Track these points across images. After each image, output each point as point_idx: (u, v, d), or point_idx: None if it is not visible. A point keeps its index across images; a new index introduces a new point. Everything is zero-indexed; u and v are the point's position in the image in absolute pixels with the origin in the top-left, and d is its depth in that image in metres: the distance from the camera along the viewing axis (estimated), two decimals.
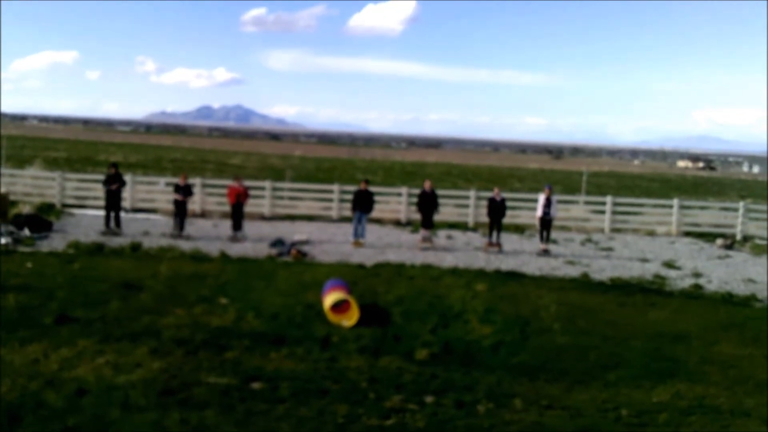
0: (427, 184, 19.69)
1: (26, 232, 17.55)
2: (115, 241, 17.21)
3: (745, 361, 10.15)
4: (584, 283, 15.27)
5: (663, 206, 26.69)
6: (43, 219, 18.85)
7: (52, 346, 8.85)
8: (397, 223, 23.65)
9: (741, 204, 25.79)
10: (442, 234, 21.53)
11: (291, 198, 25.00)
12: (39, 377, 7.77)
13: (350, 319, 10.68)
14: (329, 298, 11.04)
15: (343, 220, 22.75)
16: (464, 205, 24.64)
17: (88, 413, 6.88)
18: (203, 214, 23.21)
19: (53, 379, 7.72)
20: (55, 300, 11.04)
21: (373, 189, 20.21)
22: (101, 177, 20.88)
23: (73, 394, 7.33)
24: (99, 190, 21.16)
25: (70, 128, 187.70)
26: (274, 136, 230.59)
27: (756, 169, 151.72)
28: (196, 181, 23.33)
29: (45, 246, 16.37)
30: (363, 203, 19.22)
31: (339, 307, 10.96)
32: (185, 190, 19.17)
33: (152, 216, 22.52)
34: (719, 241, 22.67)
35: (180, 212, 18.96)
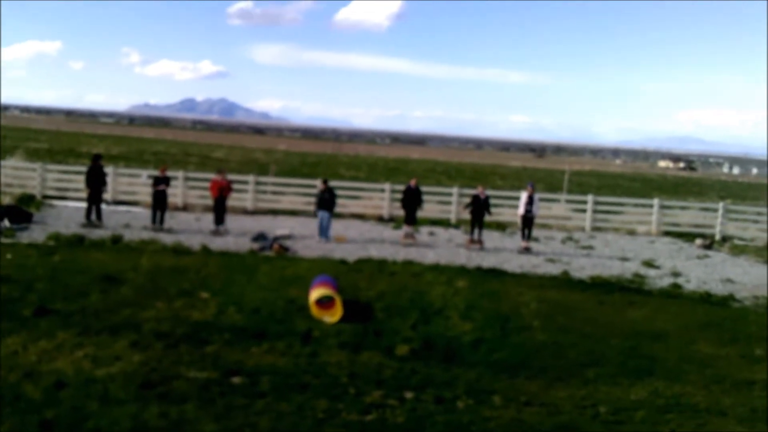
0: (413, 181, 19.80)
1: (6, 223, 17.36)
2: (95, 234, 17.09)
3: (722, 360, 10.27)
4: (564, 281, 15.36)
5: (643, 206, 26.93)
6: (23, 210, 18.67)
7: (31, 339, 8.78)
8: (380, 219, 23.67)
9: (720, 204, 26.07)
10: (424, 230, 21.59)
11: (274, 192, 24.93)
12: (17, 369, 7.70)
13: (333, 316, 10.67)
14: (316, 292, 11.01)
15: None
16: (447, 202, 24.71)
17: (67, 406, 6.83)
18: (185, 208, 23.09)
19: (32, 372, 7.66)
20: (35, 292, 10.94)
21: (356, 184, 20.17)
22: (83, 169, 20.72)
23: (51, 386, 7.27)
24: (80, 182, 20.97)
25: (52, 119, 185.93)
26: (259, 130, 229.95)
27: (736, 170, 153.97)
28: (178, 174, 23.21)
29: (25, 237, 16.21)
30: (324, 203, 19.10)
31: (324, 303, 10.95)
32: (165, 181, 19.06)
33: (134, 209, 22.38)
34: (698, 241, 22.92)
35: (160, 205, 18.83)
